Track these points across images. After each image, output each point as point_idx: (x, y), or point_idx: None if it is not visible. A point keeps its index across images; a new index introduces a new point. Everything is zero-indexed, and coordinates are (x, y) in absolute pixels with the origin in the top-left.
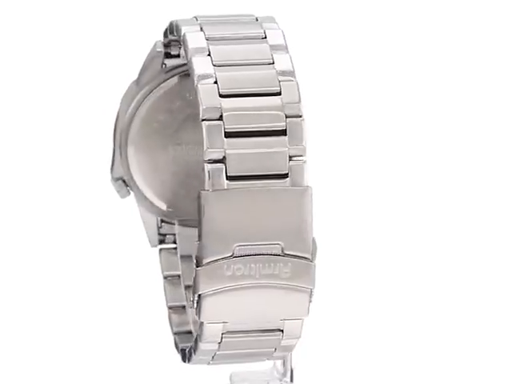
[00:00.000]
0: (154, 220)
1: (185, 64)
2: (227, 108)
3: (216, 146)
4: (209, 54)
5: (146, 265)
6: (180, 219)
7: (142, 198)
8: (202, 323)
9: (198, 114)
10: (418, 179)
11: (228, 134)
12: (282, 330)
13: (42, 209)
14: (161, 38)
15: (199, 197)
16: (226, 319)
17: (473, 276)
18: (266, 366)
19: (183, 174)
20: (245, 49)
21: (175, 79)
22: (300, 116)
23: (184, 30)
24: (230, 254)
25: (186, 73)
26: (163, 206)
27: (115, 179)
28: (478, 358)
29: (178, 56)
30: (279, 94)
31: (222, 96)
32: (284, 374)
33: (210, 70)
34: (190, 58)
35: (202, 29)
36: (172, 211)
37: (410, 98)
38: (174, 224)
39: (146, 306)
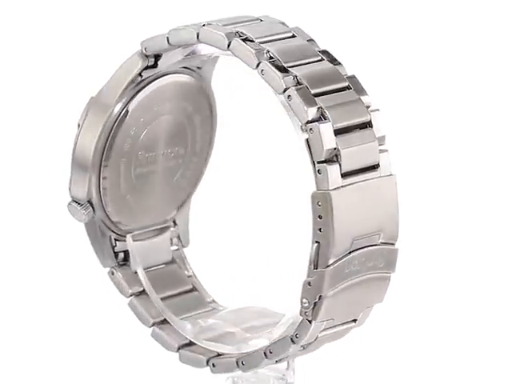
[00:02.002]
0: (108, 239)
1: (156, 73)
2: (327, 106)
3: (331, 144)
4: (271, 57)
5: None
6: (134, 234)
7: (104, 218)
8: (309, 324)
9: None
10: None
11: (336, 132)
12: (356, 320)
13: None
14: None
15: (320, 198)
16: (334, 317)
17: None
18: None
19: (142, 187)
20: (295, 47)
21: (146, 91)
22: (370, 106)
23: (225, 36)
24: (348, 251)
25: (153, 82)
26: (123, 223)
27: (85, 201)
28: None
29: (154, 66)
30: (350, 87)
31: (315, 96)
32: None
33: (287, 72)
34: (260, 63)
35: (237, 33)
36: (130, 227)
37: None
38: (125, 241)
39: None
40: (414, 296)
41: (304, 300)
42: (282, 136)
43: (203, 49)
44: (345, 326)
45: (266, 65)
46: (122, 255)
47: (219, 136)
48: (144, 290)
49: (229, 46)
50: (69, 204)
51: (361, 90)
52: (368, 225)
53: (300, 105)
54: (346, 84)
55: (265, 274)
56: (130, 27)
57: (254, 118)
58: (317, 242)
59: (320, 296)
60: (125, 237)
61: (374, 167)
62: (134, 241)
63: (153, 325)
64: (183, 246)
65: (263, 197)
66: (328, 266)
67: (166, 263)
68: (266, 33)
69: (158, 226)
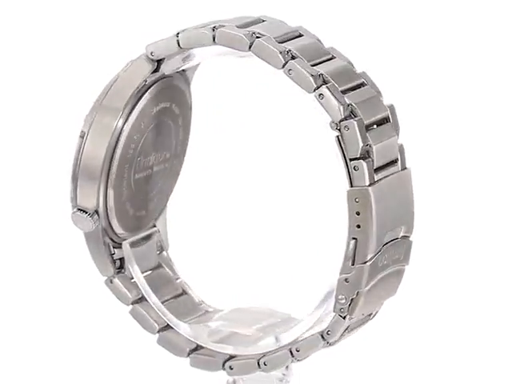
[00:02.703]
0: (107, 247)
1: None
2: (356, 103)
3: (365, 141)
4: (293, 57)
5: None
6: (129, 241)
7: (106, 226)
8: (342, 320)
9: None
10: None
11: (366, 128)
12: (371, 314)
13: None
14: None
15: (358, 195)
16: (364, 312)
17: None
18: None
19: (138, 193)
20: (308, 46)
21: (147, 96)
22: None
23: (245, 37)
24: (382, 245)
25: (152, 86)
26: (121, 230)
27: (92, 211)
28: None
29: (156, 70)
30: (366, 84)
31: (343, 92)
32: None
33: (313, 70)
34: (287, 63)
35: (254, 34)
36: (126, 233)
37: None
38: (121, 248)
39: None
40: (412, 294)
41: (340, 296)
42: (289, 135)
43: (198, 53)
44: (363, 322)
45: (293, 64)
46: (118, 263)
47: (220, 136)
48: (143, 296)
49: (250, 46)
50: (73, 213)
51: (376, 87)
52: (396, 218)
53: (333, 102)
54: (362, 80)
55: (257, 274)
56: (118, 33)
57: (254, 119)
58: (354, 238)
59: (358, 292)
60: (121, 244)
61: (395, 161)
62: (130, 247)
63: (159, 331)
64: (165, 249)
65: (261, 196)
66: (365, 262)
67: (153, 268)
68: (278, 32)
69: (148, 232)
